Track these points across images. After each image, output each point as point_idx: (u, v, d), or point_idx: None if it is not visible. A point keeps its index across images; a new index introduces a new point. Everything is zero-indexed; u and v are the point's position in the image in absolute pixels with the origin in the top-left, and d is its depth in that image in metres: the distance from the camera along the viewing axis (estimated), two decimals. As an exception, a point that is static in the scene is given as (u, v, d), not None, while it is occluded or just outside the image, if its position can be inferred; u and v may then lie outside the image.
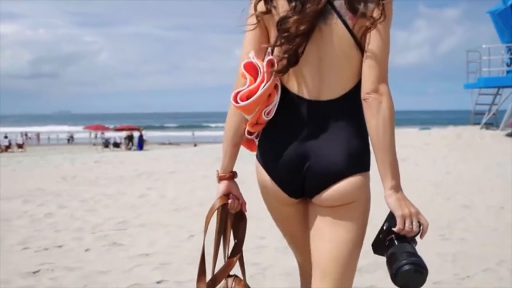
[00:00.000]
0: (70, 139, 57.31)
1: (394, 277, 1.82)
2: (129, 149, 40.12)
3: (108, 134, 49.67)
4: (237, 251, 2.29)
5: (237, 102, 2.02)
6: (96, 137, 53.92)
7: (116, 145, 43.40)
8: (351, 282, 2.15)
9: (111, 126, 51.32)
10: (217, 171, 2.23)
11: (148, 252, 5.16)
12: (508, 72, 22.27)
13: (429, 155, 15.31)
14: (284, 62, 1.99)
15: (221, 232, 2.26)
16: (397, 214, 1.93)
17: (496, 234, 5.94)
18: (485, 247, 5.34)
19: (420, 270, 1.81)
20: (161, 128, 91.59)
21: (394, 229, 1.92)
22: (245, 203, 2.28)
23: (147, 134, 52.73)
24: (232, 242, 2.31)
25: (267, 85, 1.99)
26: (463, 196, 8.66)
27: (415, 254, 1.85)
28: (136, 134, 42.51)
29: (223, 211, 2.23)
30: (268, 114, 2.06)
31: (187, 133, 64.32)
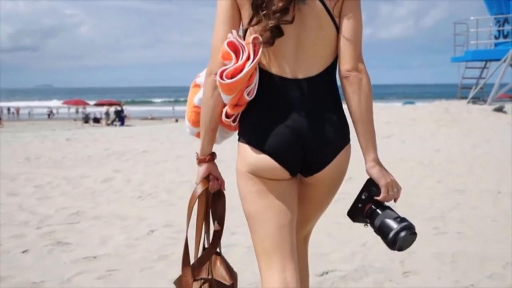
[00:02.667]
0: (51, 114, 56.09)
1: (392, 245, 1.99)
2: (109, 124, 39.29)
3: (90, 109, 48.55)
4: (219, 234, 2.33)
5: (223, 80, 2.00)
6: (77, 111, 52.66)
7: (96, 120, 42.31)
8: None
9: (92, 102, 50.11)
10: (197, 153, 2.24)
11: (96, 254, 4.39)
12: (496, 45, 21.76)
13: (415, 132, 14.67)
14: (268, 34, 2.00)
15: (203, 215, 2.29)
16: (381, 183, 2.06)
17: (496, 226, 5.27)
18: (487, 244, 4.65)
19: (413, 232, 2.01)
20: (145, 102, 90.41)
21: (378, 198, 2.06)
22: (224, 182, 2.31)
23: (129, 109, 51.95)
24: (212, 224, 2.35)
25: (253, 63, 1.99)
26: (455, 178, 8.00)
27: (402, 218, 2.02)
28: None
29: (206, 194, 2.26)
30: (249, 94, 2.05)
31: (170, 108, 63.40)
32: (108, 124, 39.51)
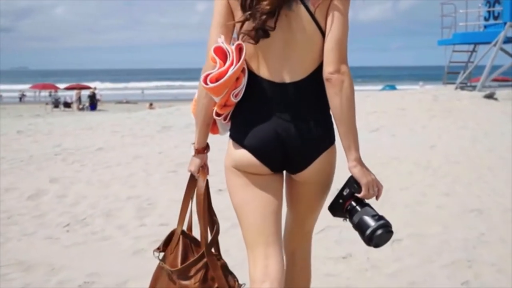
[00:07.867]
0: (22, 97, 53.99)
1: (369, 241, 2.08)
2: (81, 109, 37.72)
3: (62, 93, 46.67)
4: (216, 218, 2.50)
5: (207, 84, 2.13)
6: (50, 95, 50.56)
7: (67, 105, 40.43)
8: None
9: (63, 86, 48.31)
10: (193, 144, 2.43)
11: None
12: (485, 27, 20.56)
13: (406, 124, 13.26)
14: (253, 33, 2.11)
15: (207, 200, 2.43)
16: (362, 182, 2.15)
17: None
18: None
19: (389, 230, 2.09)
20: (120, 88, 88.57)
21: (358, 195, 2.15)
22: (208, 169, 2.48)
23: (104, 93, 50.14)
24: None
25: (235, 67, 2.11)
26: (465, 190, 6.58)
27: (380, 216, 2.10)
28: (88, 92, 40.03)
29: (207, 185, 2.43)
30: (236, 96, 2.19)
31: (148, 91, 62.12)
32: (80, 109, 37.96)
